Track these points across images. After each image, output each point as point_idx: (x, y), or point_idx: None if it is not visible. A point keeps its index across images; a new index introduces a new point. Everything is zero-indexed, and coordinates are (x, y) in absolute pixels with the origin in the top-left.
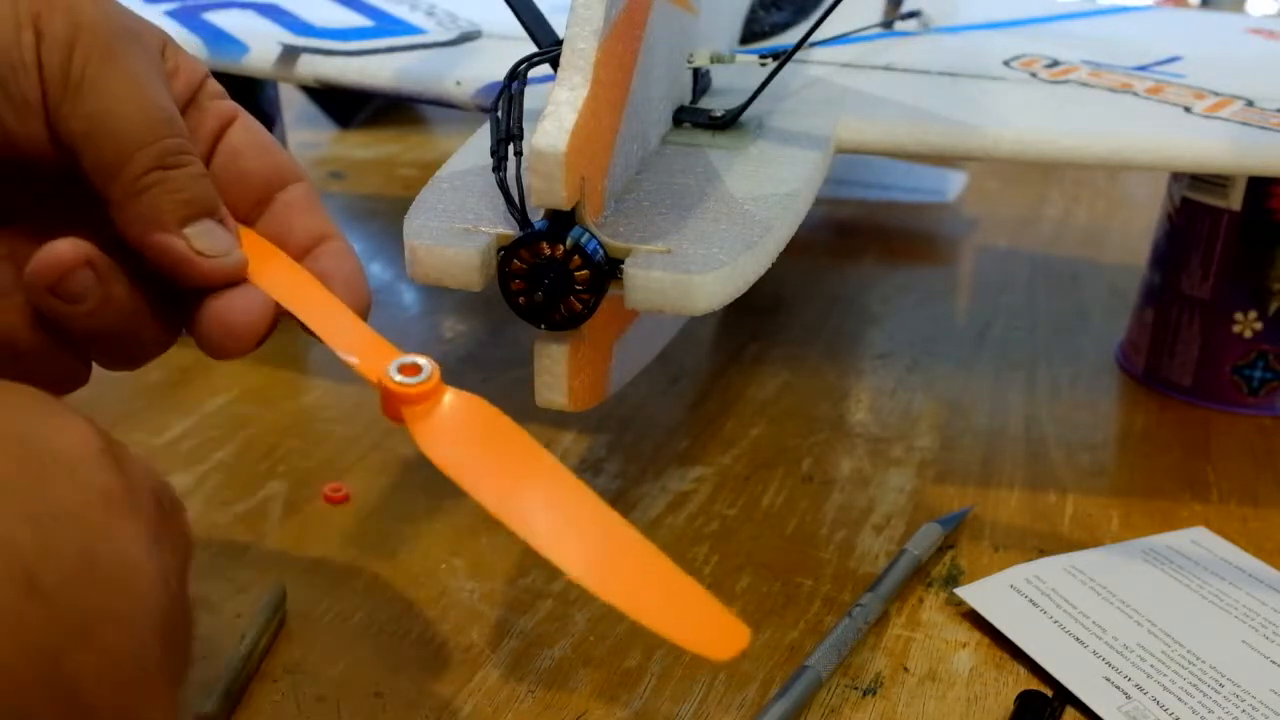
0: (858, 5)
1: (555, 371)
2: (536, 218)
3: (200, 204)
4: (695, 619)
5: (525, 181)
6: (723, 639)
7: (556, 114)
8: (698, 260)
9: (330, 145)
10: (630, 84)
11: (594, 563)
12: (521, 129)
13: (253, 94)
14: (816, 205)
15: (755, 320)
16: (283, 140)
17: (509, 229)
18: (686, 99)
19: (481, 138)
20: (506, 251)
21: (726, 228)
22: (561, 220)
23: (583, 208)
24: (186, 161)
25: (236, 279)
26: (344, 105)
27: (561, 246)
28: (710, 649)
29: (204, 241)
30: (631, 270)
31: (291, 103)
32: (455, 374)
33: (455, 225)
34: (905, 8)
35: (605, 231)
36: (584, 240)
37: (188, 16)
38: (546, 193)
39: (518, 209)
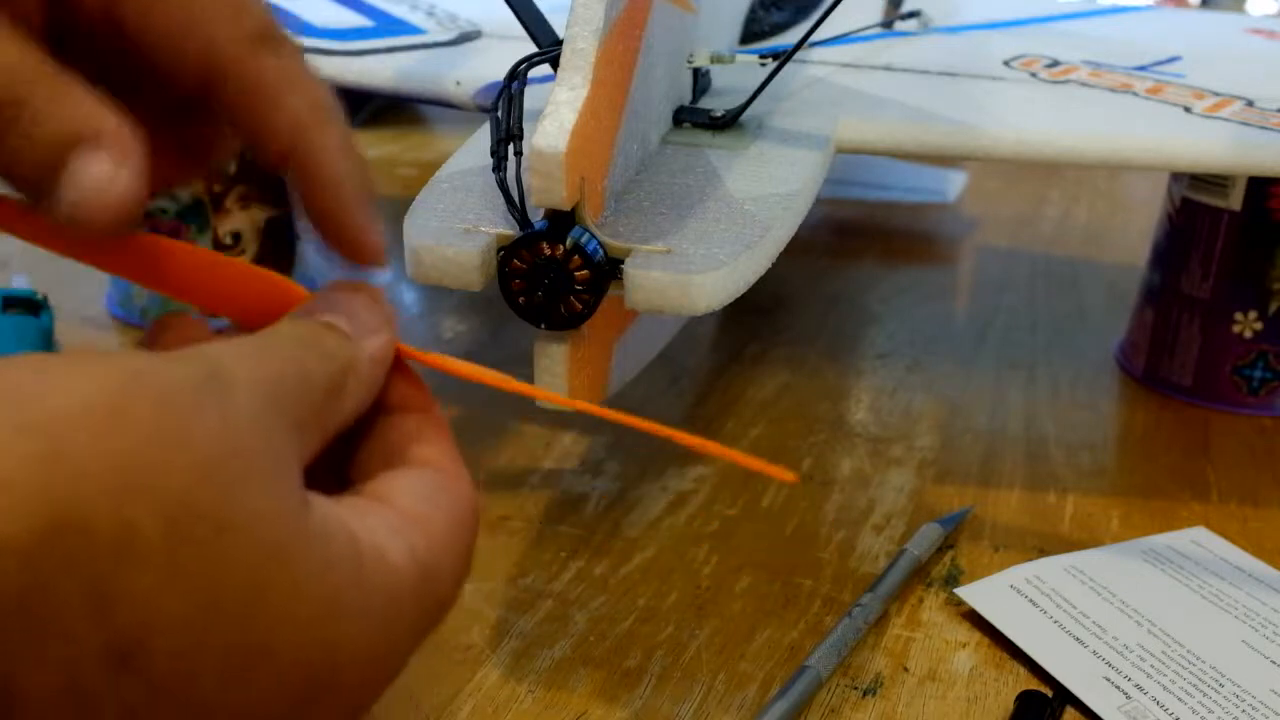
0: (858, 5)
1: (555, 371)
2: (536, 218)
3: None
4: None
5: (525, 181)
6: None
7: (556, 114)
8: (697, 260)
9: None
10: (630, 84)
11: None
12: (521, 129)
13: None
14: (816, 205)
15: (755, 320)
16: None
17: (509, 229)
18: (686, 99)
19: (481, 138)
20: (506, 251)
21: (726, 228)
22: (561, 220)
23: (583, 208)
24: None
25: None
26: (343, 105)
27: (561, 246)
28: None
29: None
30: (631, 270)
31: None
32: None
33: (455, 225)
34: (905, 8)
35: (605, 231)
36: (584, 240)
37: None
38: (546, 193)
39: (518, 209)
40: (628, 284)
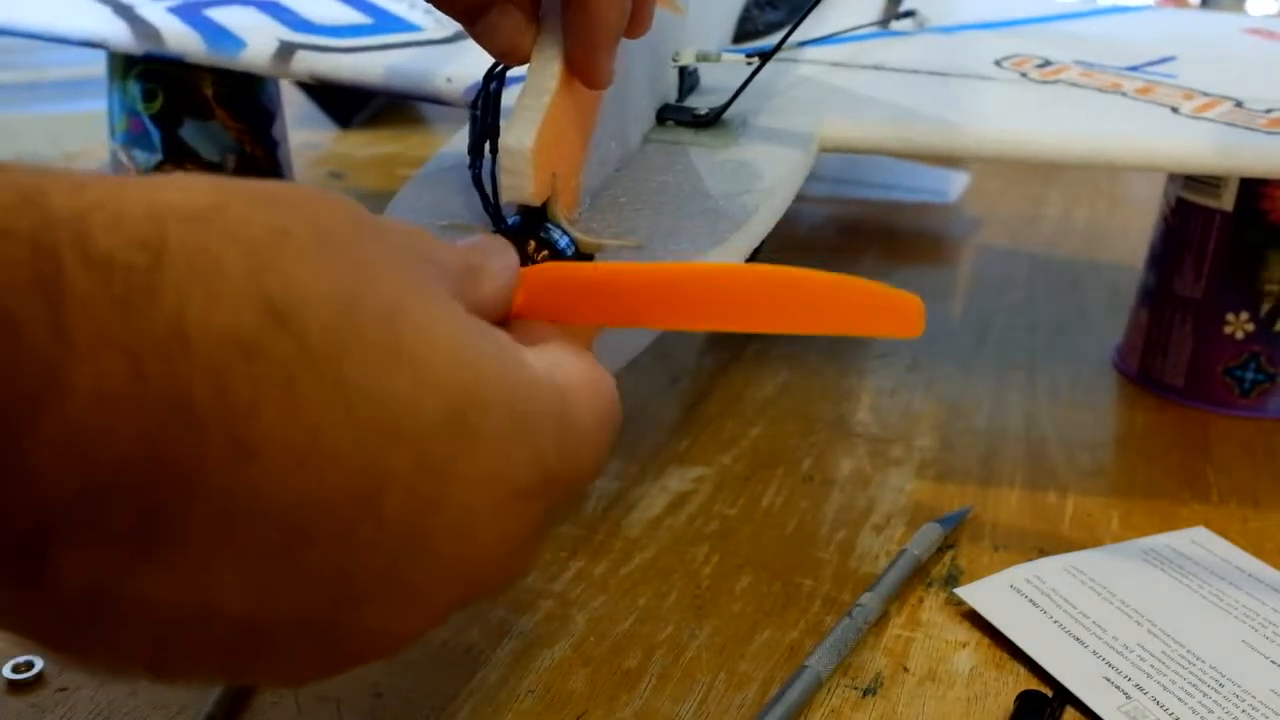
0: (856, 4)
1: None
2: (513, 214)
3: None
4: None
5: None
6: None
7: (525, 112)
8: (665, 256)
9: (330, 145)
10: None
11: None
12: (498, 127)
13: (252, 90)
14: (819, 205)
15: None
16: (283, 138)
17: (483, 225)
18: (672, 97)
19: (465, 135)
20: None
21: (699, 224)
22: (533, 216)
23: (554, 203)
24: None
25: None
26: (344, 105)
27: (532, 242)
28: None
29: None
30: None
31: (291, 103)
32: None
33: (433, 220)
34: (901, 7)
35: (578, 227)
36: (555, 236)
37: (188, 13)
38: (515, 189)
39: (492, 205)
40: None
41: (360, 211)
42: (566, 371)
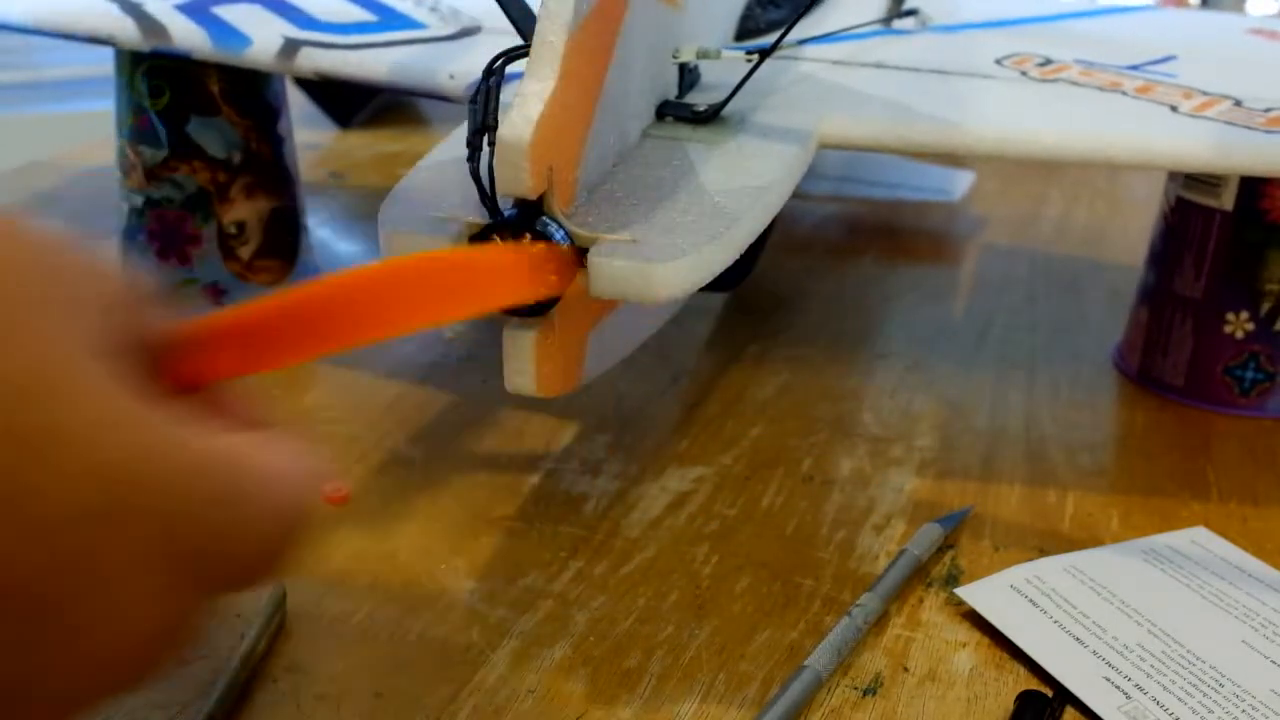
0: (859, 3)
1: (522, 358)
2: (510, 207)
3: None
4: None
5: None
6: None
7: (523, 105)
8: (660, 250)
9: (330, 145)
10: (604, 77)
11: None
12: (497, 120)
13: (258, 86)
14: (822, 203)
15: (755, 320)
16: (289, 134)
17: (480, 217)
18: (671, 93)
19: (463, 130)
20: (475, 239)
21: (694, 219)
22: (529, 209)
23: (550, 197)
24: None
25: None
26: (343, 105)
27: (528, 234)
28: None
29: None
30: (595, 259)
31: (292, 103)
32: (455, 374)
33: (430, 213)
34: (904, 5)
35: (575, 221)
36: (550, 229)
37: (195, 9)
38: (511, 181)
39: (489, 198)
40: (591, 272)
41: (8, 246)
42: (242, 459)
